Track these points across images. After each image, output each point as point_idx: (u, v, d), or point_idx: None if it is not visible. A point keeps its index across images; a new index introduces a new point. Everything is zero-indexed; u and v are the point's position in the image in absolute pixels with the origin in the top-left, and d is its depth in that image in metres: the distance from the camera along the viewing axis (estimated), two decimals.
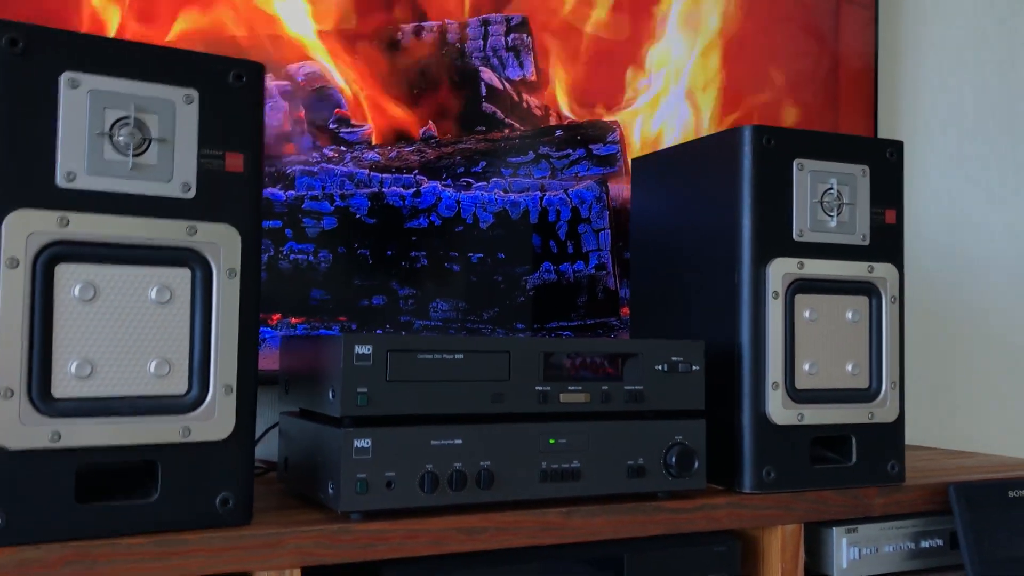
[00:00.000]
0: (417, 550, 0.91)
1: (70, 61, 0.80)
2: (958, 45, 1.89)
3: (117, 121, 0.82)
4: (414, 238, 1.36)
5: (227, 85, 0.86)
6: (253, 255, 0.87)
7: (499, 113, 1.43)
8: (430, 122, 1.38)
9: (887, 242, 1.16)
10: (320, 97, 1.31)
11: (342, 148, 1.32)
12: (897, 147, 1.18)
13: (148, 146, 0.83)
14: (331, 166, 1.31)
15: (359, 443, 0.89)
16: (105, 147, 0.81)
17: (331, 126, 1.32)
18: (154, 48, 0.84)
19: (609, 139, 1.50)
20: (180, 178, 0.84)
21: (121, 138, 0.82)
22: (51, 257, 0.79)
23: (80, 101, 0.80)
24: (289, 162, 1.29)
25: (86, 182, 0.80)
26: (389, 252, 1.34)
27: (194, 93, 0.85)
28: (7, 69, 0.78)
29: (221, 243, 0.85)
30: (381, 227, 1.34)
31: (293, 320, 1.28)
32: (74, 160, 0.80)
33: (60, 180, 0.79)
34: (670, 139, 1.55)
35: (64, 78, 0.80)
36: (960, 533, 1.14)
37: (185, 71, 0.84)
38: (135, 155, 0.82)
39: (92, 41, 0.81)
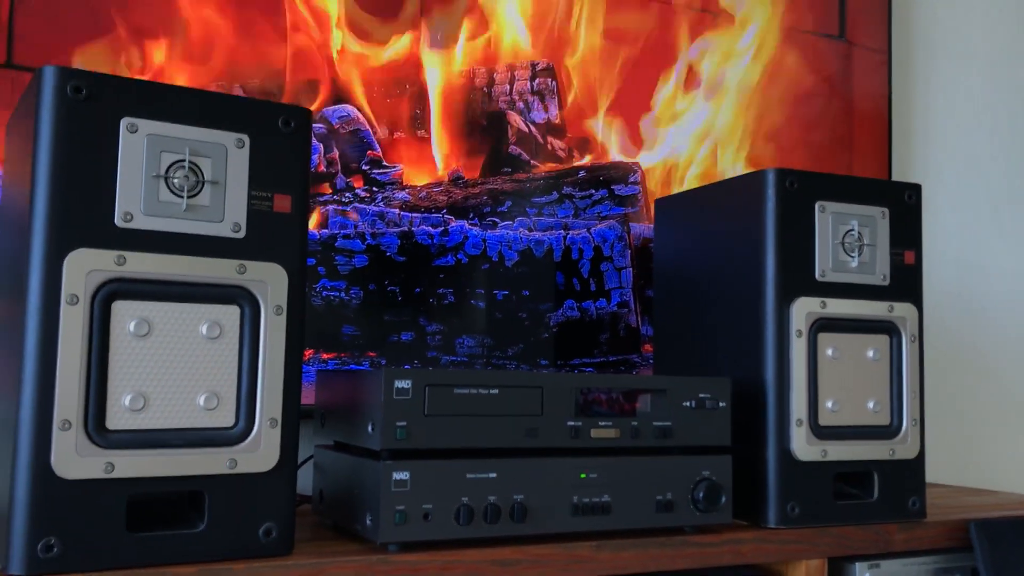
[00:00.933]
0: None
1: (129, 107, 0.84)
2: (969, 89, 1.93)
3: (172, 164, 0.85)
4: (442, 275, 1.39)
5: (276, 130, 0.90)
6: (298, 293, 0.90)
7: (524, 155, 1.47)
8: (458, 163, 1.42)
9: (906, 282, 1.19)
10: (353, 139, 1.35)
11: (374, 188, 1.36)
12: (916, 190, 1.21)
13: (201, 188, 0.86)
14: (363, 205, 1.35)
15: (398, 475, 0.91)
16: (161, 189, 0.85)
17: (363, 167, 1.36)
18: (208, 94, 0.88)
19: (630, 180, 1.54)
20: (231, 218, 0.87)
21: (176, 180, 0.85)
22: (108, 294, 0.82)
23: (138, 145, 0.84)
24: (323, 201, 1.32)
25: (142, 222, 0.84)
26: (418, 289, 1.37)
27: (245, 138, 0.88)
28: (71, 114, 0.81)
29: (269, 281, 0.88)
30: (410, 265, 1.37)
31: (324, 355, 1.31)
32: (131, 201, 0.83)
33: (118, 220, 0.83)
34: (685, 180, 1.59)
35: (124, 123, 0.83)
36: (981, 570, 1.16)
37: (237, 117, 0.88)
38: (189, 196, 0.86)
39: (150, 88, 0.85)
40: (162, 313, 0.84)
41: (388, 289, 1.36)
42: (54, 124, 0.81)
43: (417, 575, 0.91)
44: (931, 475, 1.59)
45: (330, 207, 1.33)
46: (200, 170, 0.86)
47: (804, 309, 1.12)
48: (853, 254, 1.16)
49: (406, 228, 1.37)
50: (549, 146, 1.49)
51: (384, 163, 1.37)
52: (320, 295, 1.31)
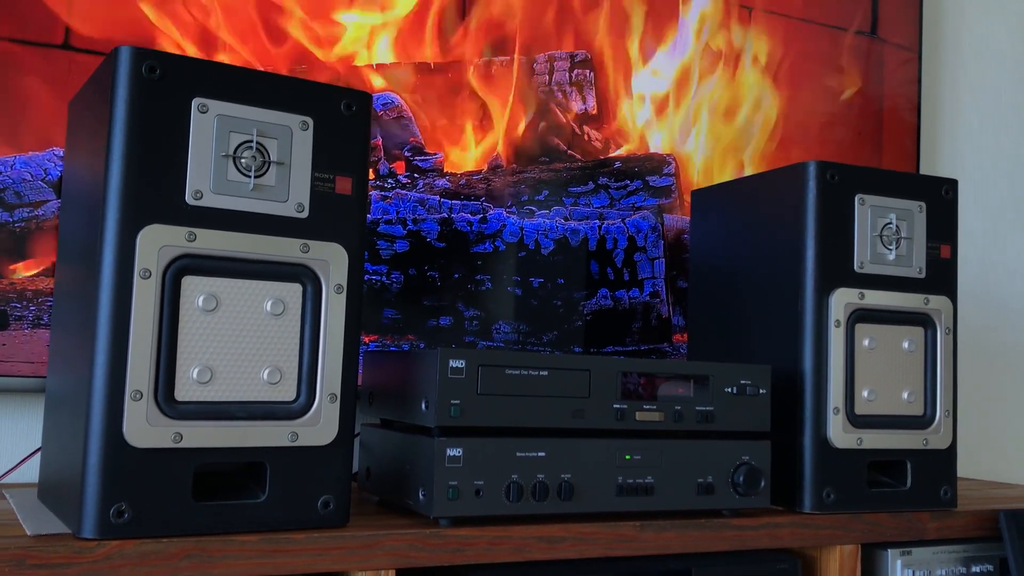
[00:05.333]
0: (501, 556, 0.95)
1: (201, 88, 0.86)
2: (997, 88, 1.95)
3: (241, 144, 0.88)
4: (480, 262, 1.41)
5: (338, 113, 0.92)
6: (357, 272, 0.92)
7: (562, 145, 1.49)
8: (497, 152, 1.44)
9: (942, 276, 1.21)
10: (396, 126, 1.38)
11: (415, 175, 1.38)
12: (952, 185, 1.23)
13: (268, 168, 0.89)
14: (405, 192, 1.37)
15: (451, 452, 0.94)
16: (229, 168, 0.87)
17: (406, 154, 1.38)
18: (276, 77, 0.90)
19: (665, 171, 1.56)
20: (295, 199, 0.90)
21: (244, 160, 0.88)
22: (179, 269, 0.84)
23: (208, 125, 0.86)
24: None
25: (212, 200, 0.86)
26: (456, 275, 1.40)
27: (309, 120, 0.91)
28: (145, 93, 0.84)
29: (331, 260, 0.91)
30: (449, 251, 1.39)
31: (366, 338, 1.34)
32: (201, 180, 0.86)
33: (189, 198, 0.85)
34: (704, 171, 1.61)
35: (195, 103, 0.86)
36: (1011, 559, 1.18)
37: (302, 99, 0.91)
38: (256, 176, 0.88)
39: (221, 69, 0.87)
40: (229, 289, 0.87)
41: (428, 274, 1.38)
42: (129, 103, 0.83)
43: (467, 549, 0.94)
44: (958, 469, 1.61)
45: (373, 192, 1.35)
46: (267, 151, 0.89)
47: (843, 300, 1.14)
48: (891, 247, 1.18)
49: (446, 215, 1.40)
50: (586, 136, 1.51)
51: (425, 150, 1.39)
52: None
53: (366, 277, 1.34)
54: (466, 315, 1.40)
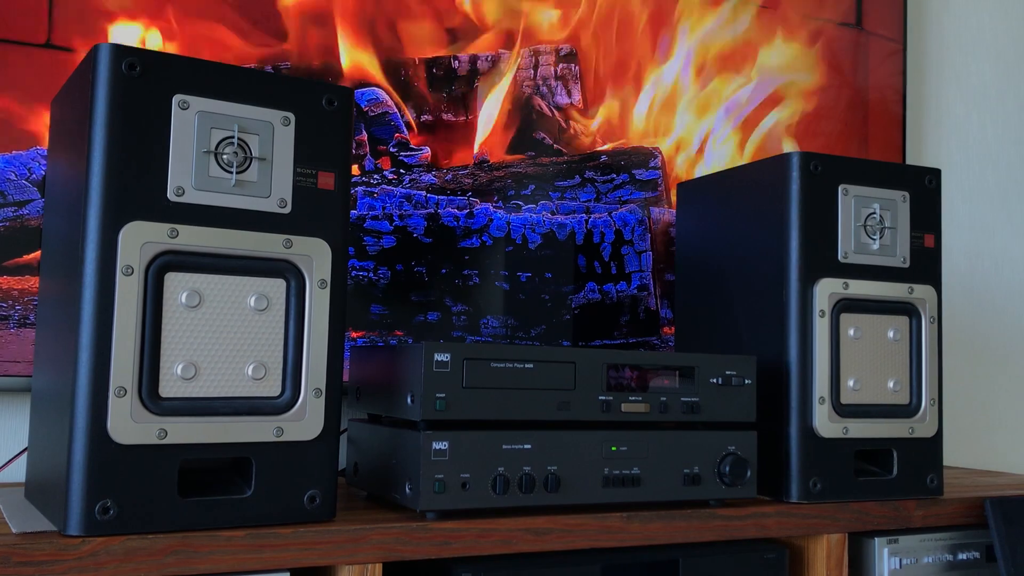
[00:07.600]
0: (488, 549, 0.96)
1: (181, 84, 0.86)
2: (981, 79, 1.95)
3: (222, 140, 0.88)
4: (467, 257, 1.42)
5: (320, 108, 0.92)
6: (341, 267, 0.93)
7: (548, 139, 1.49)
8: (483, 147, 1.44)
9: (926, 265, 1.22)
10: (382, 122, 1.38)
11: (401, 171, 1.38)
12: (936, 175, 1.23)
13: (249, 164, 0.89)
14: (391, 188, 1.37)
15: (437, 445, 0.94)
16: (211, 164, 0.87)
17: (391, 149, 1.38)
18: (257, 73, 0.90)
19: (651, 165, 1.57)
20: (277, 194, 0.90)
21: (225, 156, 0.88)
22: (161, 266, 0.84)
23: (189, 121, 0.86)
24: (352, 183, 1.35)
25: (193, 196, 0.86)
26: (444, 270, 1.40)
27: (291, 116, 0.91)
28: (125, 90, 0.84)
29: (314, 255, 0.91)
30: (436, 246, 1.40)
31: (353, 334, 1.34)
32: (183, 176, 0.86)
33: (170, 194, 0.85)
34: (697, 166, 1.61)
35: (176, 100, 0.86)
36: (996, 546, 1.19)
37: (283, 95, 0.91)
38: (238, 172, 0.88)
39: (202, 66, 0.87)
40: (212, 285, 0.87)
41: (415, 270, 1.38)
42: (109, 100, 0.83)
43: (455, 542, 0.94)
44: (944, 458, 1.62)
45: (359, 188, 1.35)
46: (248, 147, 0.89)
47: (827, 290, 1.15)
48: (874, 236, 1.19)
49: (432, 210, 1.40)
50: (572, 130, 1.51)
51: (411, 145, 1.39)
52: (350, 275, 1.34)
53: (353, 273, 1.34)
54: (454, 310, 1.41)
